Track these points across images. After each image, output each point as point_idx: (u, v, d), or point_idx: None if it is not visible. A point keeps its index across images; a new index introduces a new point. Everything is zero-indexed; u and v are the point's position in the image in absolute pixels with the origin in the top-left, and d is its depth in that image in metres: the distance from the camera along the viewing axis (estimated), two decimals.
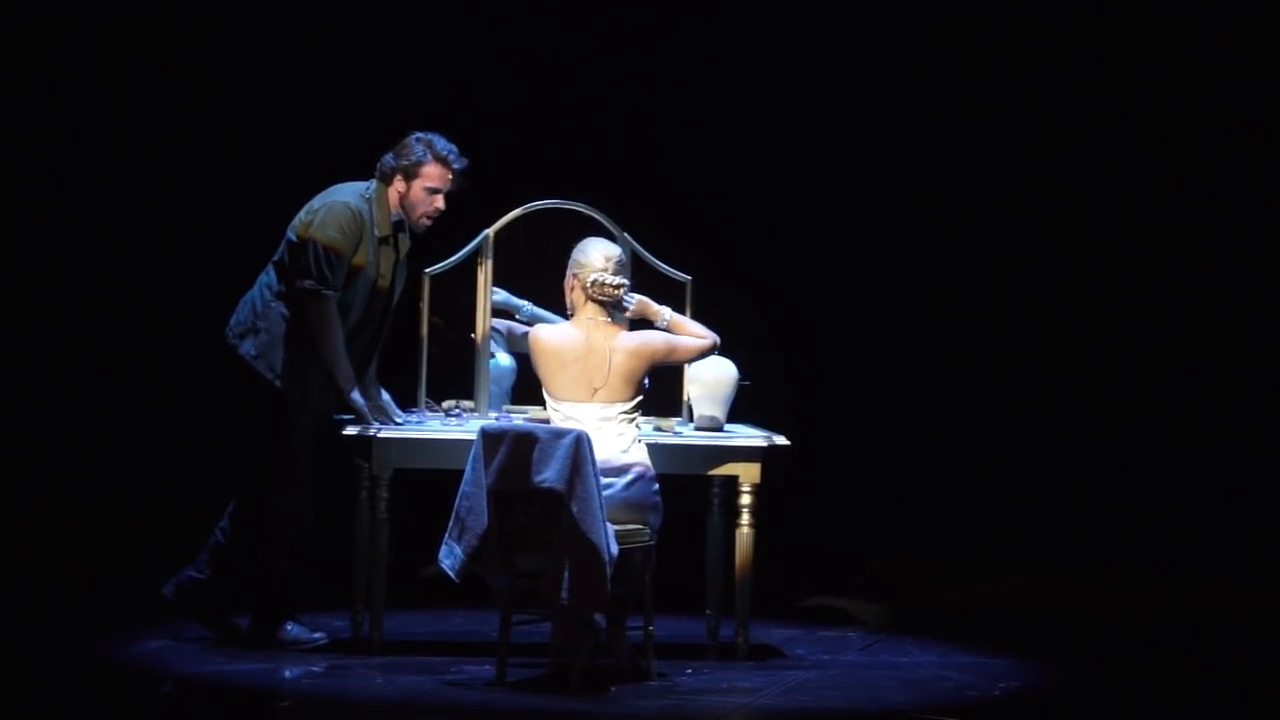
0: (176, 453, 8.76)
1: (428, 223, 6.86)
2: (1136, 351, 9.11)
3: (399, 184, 6.82)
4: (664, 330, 6.62)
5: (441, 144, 6.84)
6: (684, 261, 7.15)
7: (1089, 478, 9.09)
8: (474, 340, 7.00)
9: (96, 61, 8.76)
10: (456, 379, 7.04)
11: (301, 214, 6.78)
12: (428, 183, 6.81)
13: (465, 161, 6.85)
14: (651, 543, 6.48)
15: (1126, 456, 9.05)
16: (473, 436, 6.28)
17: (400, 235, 6.89)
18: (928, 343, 9.30)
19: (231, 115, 8.89)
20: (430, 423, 6.90)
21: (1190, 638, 7.70)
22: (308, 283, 6.66)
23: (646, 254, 7.08)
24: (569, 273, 6.62)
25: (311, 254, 6.66)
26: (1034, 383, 9.24)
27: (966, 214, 9.21)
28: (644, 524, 6.45)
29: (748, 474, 6.81)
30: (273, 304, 6.76)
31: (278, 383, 6.72)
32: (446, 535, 6.24)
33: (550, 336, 6.56)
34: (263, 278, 6.84)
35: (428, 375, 7.03)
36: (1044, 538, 8.98)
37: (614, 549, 6.17)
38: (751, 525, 6.81)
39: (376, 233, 6.78)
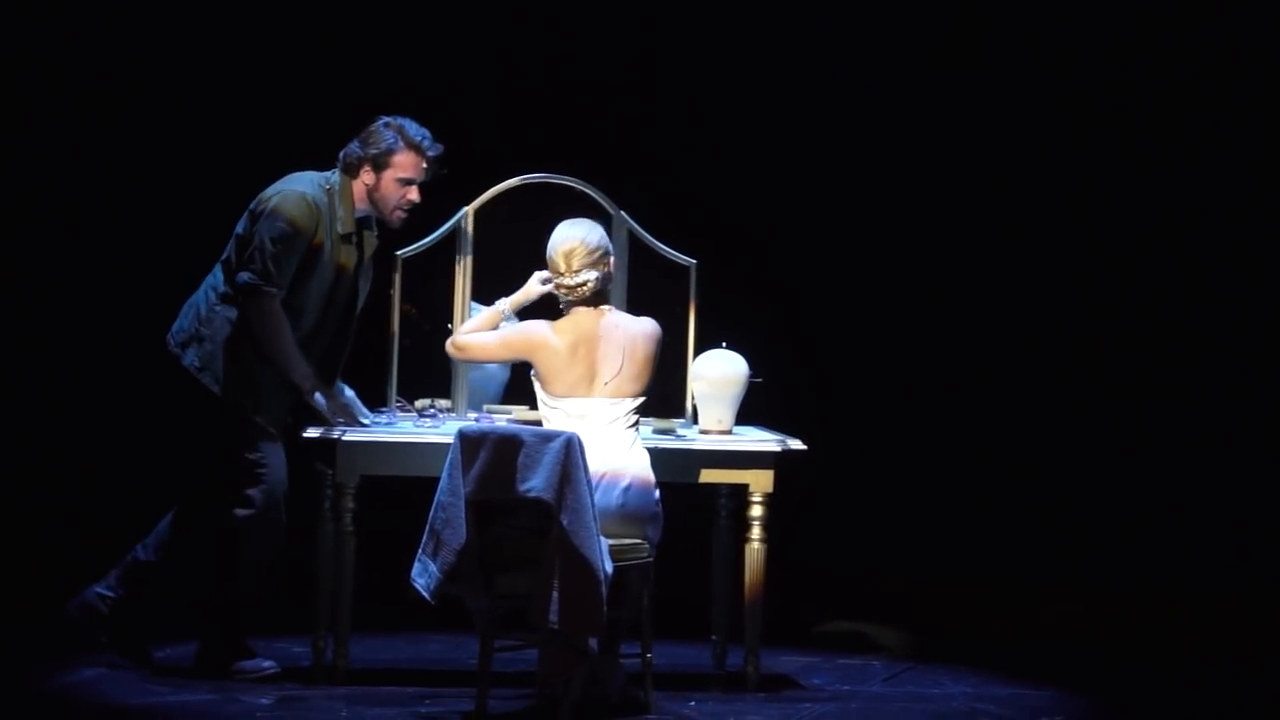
0: (118, 467, 8.69)
1: (403, 216, 6.89)
2: (1206, 358, 9.26)
3: (367, 175, 6.84)
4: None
5: (414, 129, 6.85)
6: (688, 244, 7.15)
7: (1150, 491, 9.18)
8: (451, 331, 6.93)
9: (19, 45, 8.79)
10: (431, 375, 7.04)
11: (252, 204, 6.79)
12: (400, 173, 6.82)
13: (440, 148, 6.88)
14: (650, 559, 6.48)
15: (1193, 469, 9.17)
16: (449, 440, 6.26)
17: (366, 233, 6.92)
18: (963, 335, 9.36)
19: (175, 97, 8.83)
20: (402, 424, 6.90)
21: (1257, 670, 7.70)
22: (246, 276, 6.66)
23: (646, 235, 7.10)
24: None
25: (256, 246, 6.67)
26: (1090, 383, 9.34)
27: (1015, 190, 9.35)
28: (642, 538, 6.44)
29: (759, 482, 6.81)
30: (218, 308, 6.77)
31: (228, 396, 6.71)
32: (420, 551, 6.21)
33: (558, 326, 6.53)
34: (209, 279, 6.87)
35: (399, 371, 7.02)
36: (1096, 557, 9.01)
37: (609, 566, 6.15)
38: (763, 540, 6.81)
39: (339, 229, 6.81)
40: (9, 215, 8.72)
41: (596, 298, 6.54)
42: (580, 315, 6.53)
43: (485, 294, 6.98)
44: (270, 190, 6.75)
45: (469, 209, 7.01)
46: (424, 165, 6.83)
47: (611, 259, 6.60)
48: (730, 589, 7.06)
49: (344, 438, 6.65)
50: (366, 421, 6.82)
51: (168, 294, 6.99)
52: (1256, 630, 8.28)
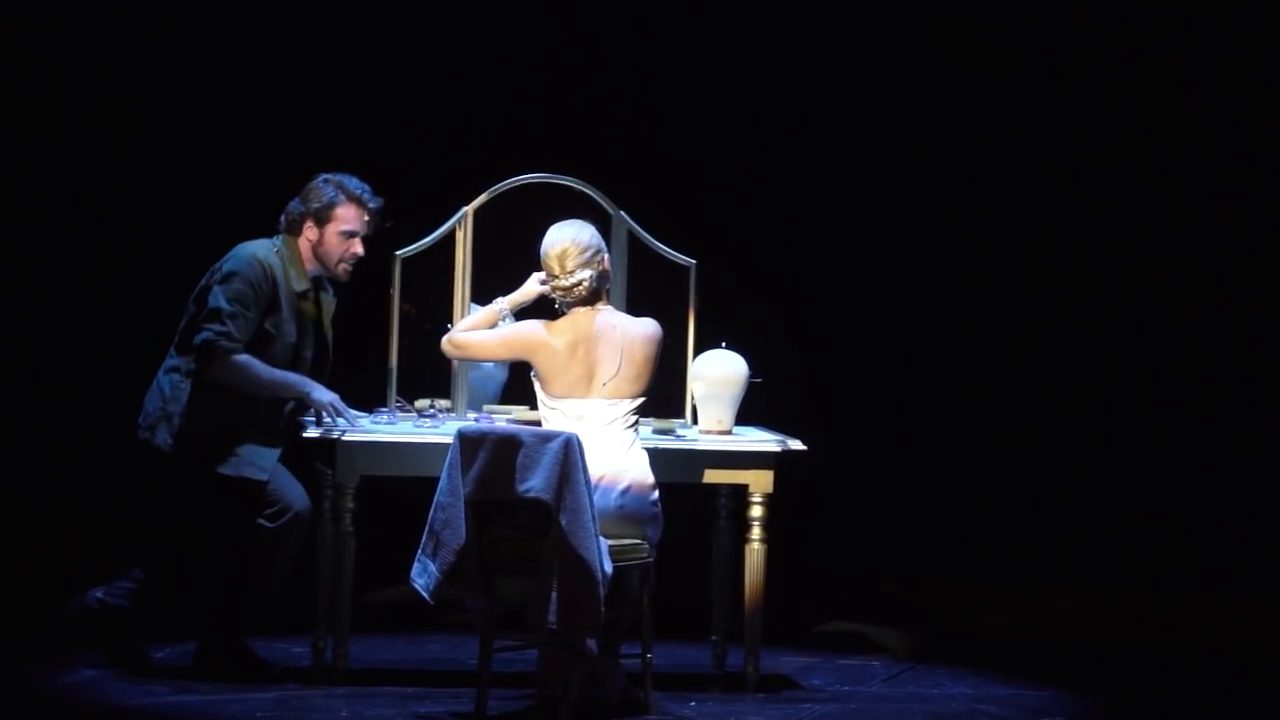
0: (112, 483, 8.41)
1: (348, 269, 6.91)
2: (1205, 359, 9.27)
3: (310, 231, 6.88)
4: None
5: (353, 183, 6.92)
6: (688, 244, 7.15)
7: (1149, 492, 9.17)
8: (449, 330, 6.85)
9: None
10: (431, 375, 7.04)
11: (203, 278, 6.81)
12: (343, 225, 6.87)
13: (380, 200, 6.92)
14: (650, 559, 6.48)
15: (1191, 470, 9.17)
16: (449, 440, 6.26)
17: (323, 294, 6.96)
18: (963, 336, 9.37)
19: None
20: (401, 424, 6.90)
21: (1257, 670, 7.69)
22: (205, 334, 6.66)
23: (646, 235, 7.09)
24: None
25: (214, 307, 6.68)
26: (1090, 383, 9.35)
27: (1015, 191, 9.36)
28: (641, 538, 6.44)
29: (759, 482, 6.81)
30: (182, 385, 6.76)
31: (207, 462, 6.69)
32: (420, 551, 6.22)
33: (555, 327, 6.52)
34: (166, 362, 6.87)
35: (399, 371, 7.02)
36: (1095, 557, 9.03)
37: (608, 567, 6.16)
38: (763, 540, 6.81)
39: (294, 286, 6.83)
40: None
41: (593, 297, 6.53)
42: (578, 315, 6.52)
43: (484, 294, 6.95)
44: (220, 261, 6.78)
45: (468, 209, 7.01)
46: (366, 217, 6.87)
47: (605, 257, 6.58)
48: (730, 589, 7.04)
49: (344, 438, 6.63)
50: (364, 421, 6.82)
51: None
52: (1256, 630, 8.27)
